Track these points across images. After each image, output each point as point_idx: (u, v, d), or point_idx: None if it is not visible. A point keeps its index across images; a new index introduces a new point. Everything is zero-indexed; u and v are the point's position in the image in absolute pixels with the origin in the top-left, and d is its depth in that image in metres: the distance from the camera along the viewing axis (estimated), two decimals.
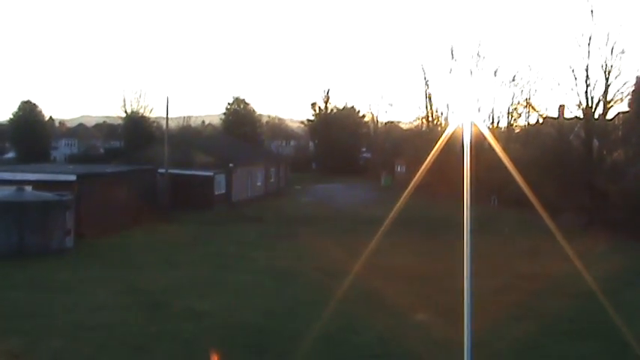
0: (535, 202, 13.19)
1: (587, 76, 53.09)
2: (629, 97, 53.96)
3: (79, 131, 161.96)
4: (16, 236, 34.35)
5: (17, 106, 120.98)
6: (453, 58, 77.81)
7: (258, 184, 76.46)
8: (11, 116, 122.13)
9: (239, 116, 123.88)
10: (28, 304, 23.66)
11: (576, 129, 60.95)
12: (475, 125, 10.28)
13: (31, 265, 31.43)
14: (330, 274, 28.72)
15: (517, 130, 78.44)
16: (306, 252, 36.47)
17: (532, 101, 74.03)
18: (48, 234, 35.30)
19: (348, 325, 20.85)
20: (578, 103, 54.79)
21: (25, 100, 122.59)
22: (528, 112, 76.12)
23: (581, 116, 56.65)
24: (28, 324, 20.91)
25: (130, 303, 24.10)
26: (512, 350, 18.71)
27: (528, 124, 77.46)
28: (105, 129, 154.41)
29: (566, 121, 66.58)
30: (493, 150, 12.41)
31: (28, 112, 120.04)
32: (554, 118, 71.05)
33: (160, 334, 19.84)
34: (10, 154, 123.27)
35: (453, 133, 10.92)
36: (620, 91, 53.43)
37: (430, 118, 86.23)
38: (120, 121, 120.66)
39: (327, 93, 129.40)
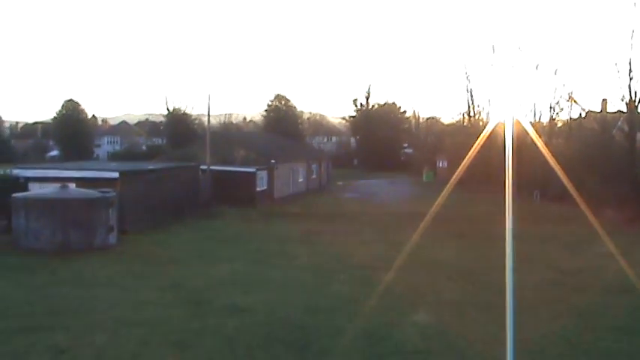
0: (577, 196, 13.08)
1: (631, 69, 52.68)
2: None
3: (121, 129, 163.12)
4: (60, 233, 34.71)
5: (61, 105, 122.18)
6: (494, 52, 77.50)
7: (300, 180, 76.60)
8: (55, 115, 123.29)
9: (280, 113, 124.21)
10: (72, 300, 23.87)
11: (619, 123, 60.44)
12: (517, 120, 10.22)
13: (75, 262, 31.71)
14: (372, 270, 28.73)
15: (559, 125, 77.80)
16: (348, 248, 36.47)
17: (574, 95, 73.44)
18: (91, 231, 35.61)
19: (390, 321, 20.80)
20: (621, 96, 54.36)
21: (69, 99, 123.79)
22: (570, 106, 75.45)
23: (625, 110, 56.15)
24: (72, 319, 21.09)
25: (172, 299, 24.24)
26: (555, 347, 18.55)
27: (571, 118, 76.74)
28: (147, 126, 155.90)
29: (609, 115, 66.12)
30: (535, 145, 12.31)
31: (71, 111, 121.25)
32: (597, 112, 70.54)
33: (202, 331, 19.91)
34: (54, 152, 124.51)
35: (494, 128, 10.87)
36: None
37: (472, 113, 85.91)
38: (162, 119, 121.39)
39: (369, 89, 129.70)
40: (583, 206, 13.50)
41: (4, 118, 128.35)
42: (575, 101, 73.66)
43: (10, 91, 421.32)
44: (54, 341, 18.63)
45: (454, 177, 12.08)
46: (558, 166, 12.41)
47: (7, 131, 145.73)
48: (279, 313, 22.21)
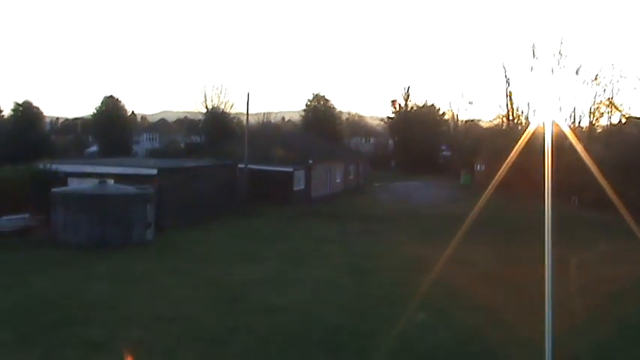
0: (617, 203, 12.92)
1: None
2: None
3: (160, 126, 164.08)
4: (99, 228, 34.93)
5: (100, 101, 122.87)
6: (534, 56, 76.96)
7: (337, 180, 76.47)
8: (95, 111, 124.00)
9: (319, 113, 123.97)
10: (108, 295, 24.04)
11: None
12: (556, 124, 10.12)
13: (113, 257, 31.93)
14: (408, 272, 28.63)
15: (599, 130, 77.18)
16: (384, 249, 36.42)
17: (614, 100, 72.87)
18: (129, 226, 35.81)
19: (425, 323, 20.72)
20: None
21: (109, 95, 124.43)
22: (610, 111, 74.88)
23: None
24: (108, 314, 21.23)
25: (207, 296, 24.32)
26: (591, 353, 18.39)
27: (611, 123, 76.16)
28: (186, 124, 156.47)
29: None
30: (574, 150, 12.20)
31: (111, 107, 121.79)
32: (638, 118, 69.91)
33: (235, 328, 19.95)
34: (93, 148, 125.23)
35: (533, 132, 10.77)
36: None
37: (511, 117, 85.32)
38: (201, 117, 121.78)
39: (408, 90, 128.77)
40: (623, 213, 13.34)
41: (45, 114, 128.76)
42: (615, 106, 73.14)
43: (51, 87, 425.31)
44: (89, 335, 18.77)
45: (493, 181, 11.98)
46: (598, 172, 12.26)
47: (48, 126, 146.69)
48: (314, 313, 22.21)
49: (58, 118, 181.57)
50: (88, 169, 44.58)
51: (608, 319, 22.25)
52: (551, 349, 10.15)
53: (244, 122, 65.84)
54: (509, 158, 11.38)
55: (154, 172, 42.85)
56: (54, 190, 37.04)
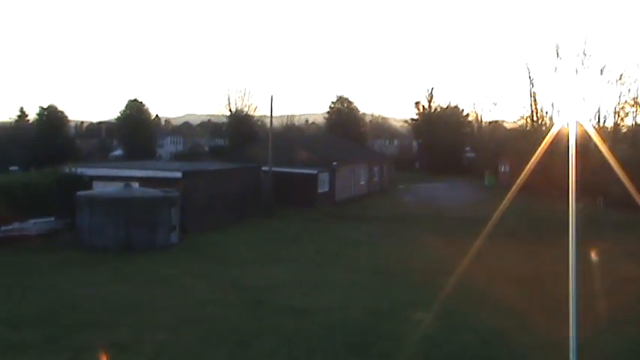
0: None
1: None
2: None
3: (184, 129, 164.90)
4: (124, 231, 35.10)
5: (125, 105, 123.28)
6: (558, 56, 76.56)
7: (362, 182, 76.36)
8: (119, 114, 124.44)
9: (342, 115, 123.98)
10: (134, 298, 24.13)
11: None
12: (580, 125, 10.10)
13: (138, 260, 32.08)
14: (433, 273, 28.58)
15: (624, 130, 76.75)
16: (408, 251, 36.38)
17: (639, 100, 72.43)
18: (153, 229, 35.96)
19: (450, 325, 20.69)
20: None
21: (133, 99, 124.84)
22: (636, 111, 74.43)
23: None
24: (134, 317, 21.31)
25: (232, 298, 24.38)
26: (617, 354, 18.30)
27: (636, 123, 75.71)
28: (209, 127, 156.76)
29: None
30: (599, 150, 12.17)
31: (135, 111, 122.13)
32: None
33: (261, 331, 19.97)
34: (118, 152, 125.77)
35: (558, 133, 10.75)
36: None
37: (535, 118, 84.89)
38: (224, 120, 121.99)
39: (431, 92, 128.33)
40: None
41: (69, 118, 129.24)
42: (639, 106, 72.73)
43: (75, 91, 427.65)
44: (115, 338, 18.84)
45: (517, 182, 11.99)
46: (623, 172, 12.24)
47: (72, 131, 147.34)
48: (339, 315, 22.20)
49: (82, 122, 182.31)
50: (113, 172, 44.76)
51: (633, 319, 22.15)
52: (576, 352, 10.13)
53: (268, 125, 65.86)
54: (533, 159, 11.37)
55: (179, 175, 42.98)
56: (79, 193, 37.23)
